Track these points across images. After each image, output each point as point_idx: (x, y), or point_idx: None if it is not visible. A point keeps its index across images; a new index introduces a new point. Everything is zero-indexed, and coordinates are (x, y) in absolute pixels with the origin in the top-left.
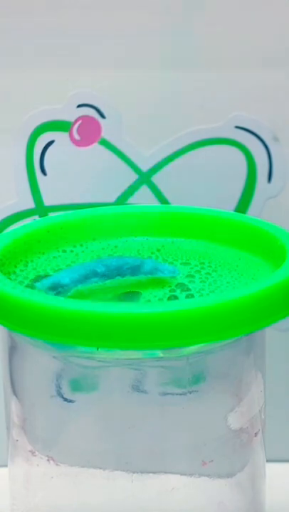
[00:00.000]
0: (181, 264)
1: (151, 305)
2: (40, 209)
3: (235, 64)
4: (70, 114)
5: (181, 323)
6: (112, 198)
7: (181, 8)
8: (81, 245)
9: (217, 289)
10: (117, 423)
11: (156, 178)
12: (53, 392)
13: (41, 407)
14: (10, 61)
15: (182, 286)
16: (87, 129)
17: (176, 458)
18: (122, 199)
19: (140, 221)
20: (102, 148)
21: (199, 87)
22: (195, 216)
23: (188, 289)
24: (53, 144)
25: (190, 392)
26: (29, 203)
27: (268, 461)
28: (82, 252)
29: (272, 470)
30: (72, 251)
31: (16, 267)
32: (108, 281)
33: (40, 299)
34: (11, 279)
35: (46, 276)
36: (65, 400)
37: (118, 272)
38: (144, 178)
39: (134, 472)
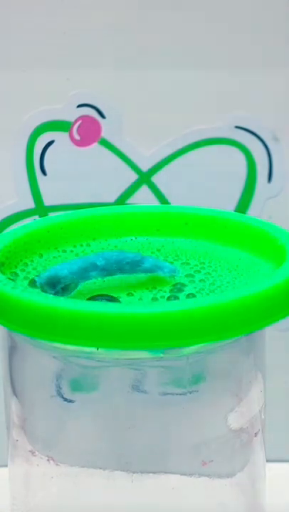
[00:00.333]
0: (181, 264)
1: (152, 305)
2: (40, 209)
3: (236, 64)
4: (70, 114)
5: (181, 323)
6: (112, 198)
7: (181, 8)
8: (81, 245)
9: (217, 289)
10: (117, 423)
11: (156, 178)
12: (53, 392)
13: (41, 407)
14: (10, 61)
15: (182, 286)
16: (87, 129)
17: (176, 458)
18: (122, 199)
19: (140, 221)
20: (102, 148)
21: (199, 87)
22: (195, 216)
23: (189, 289)
24: (53, 144)
25: (190, 392)
26: (29, 203)
27: (268, 461)
28: (82, 252)
29: (272, 470)
30: (72, 251)
31: (16, 267)
32: (107, 279)
33: (40, 299)
34: (11, 279)
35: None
36: (65, 400)
37: (118, 266)
38: (144, 178)
39: (134, 472)
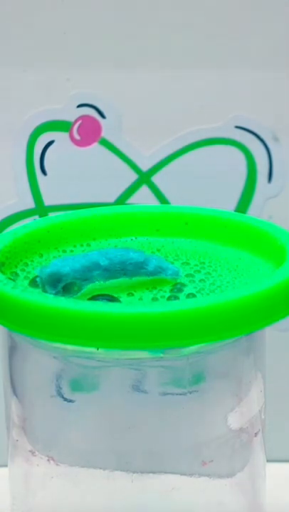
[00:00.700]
0: (181, 264)
1: (152, 305)
2: (40, 209)
3: (236, 64)
4: (70, 114)
5: (181, 323)
6: (112, 198)
7: (181, 8)
8: (81, 245)
9: (217, 289)
10: (117, 423)
11: (156, 178)
12: (53, 392)
13: (41, 407)
14: (10, 61)
15: (182, 286)
16: (87, 129)
17: (176, 458)
18: (122, 199)
19: (140, 221)
20: (102, 148)
21: (199, 87)
22: (195, 216)
23: (189, 289)
24: (53, 144)
25: (190, 392)
26: (29, 203)
27: (268, 461)
28: (82, 251)
29: (272, 470)
30: (72, 251)
31: (16, 267)
32: (109, 282)
33: (41, 299)
34: (11, 279)
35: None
36: (65, 399)
37: (121, 266)
38: (144, 178)
39: (134, 472)
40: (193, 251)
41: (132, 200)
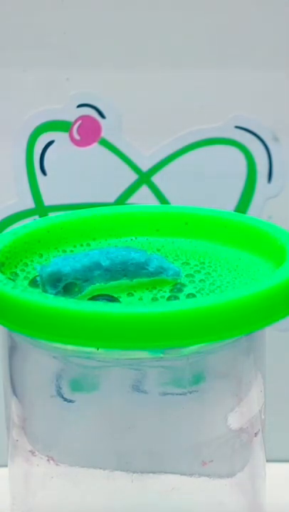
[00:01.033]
0: (181, 264)
1: (152, 305)
2: (40, 209)
3: (236, 64)
4: (70, 114)
5: (181, 323)
6: (112, 198)
7: (181, 8)
8: (81, 245)
9: (217, 289)
10: (117, 423)
11: (156, 178)
12: (53, 392)
13: (41, 407)
14: (10, 60)
15: (182, 286)
16: (87, 129)
17: (176, 458)
18: (122, 199)
19: (140, 221)
20: (102, 148)
21: (199, 87)
22: (195, 216)
23: (189, 289)
24: (53, 144)
25: (190, 392)
26: (29, 203)
27: (267, 461)
28: (83, 251)
29: (272, 470)
30: (72, 251)
31: (16, 267)
32: (110, 283)
33: (41, 299)
34: (11, 279)
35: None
36: (65, 399)
37: (122, 267)
38: (144, 178)
39: (134, 472)
40: (193, 251)
41: (132, 200)
